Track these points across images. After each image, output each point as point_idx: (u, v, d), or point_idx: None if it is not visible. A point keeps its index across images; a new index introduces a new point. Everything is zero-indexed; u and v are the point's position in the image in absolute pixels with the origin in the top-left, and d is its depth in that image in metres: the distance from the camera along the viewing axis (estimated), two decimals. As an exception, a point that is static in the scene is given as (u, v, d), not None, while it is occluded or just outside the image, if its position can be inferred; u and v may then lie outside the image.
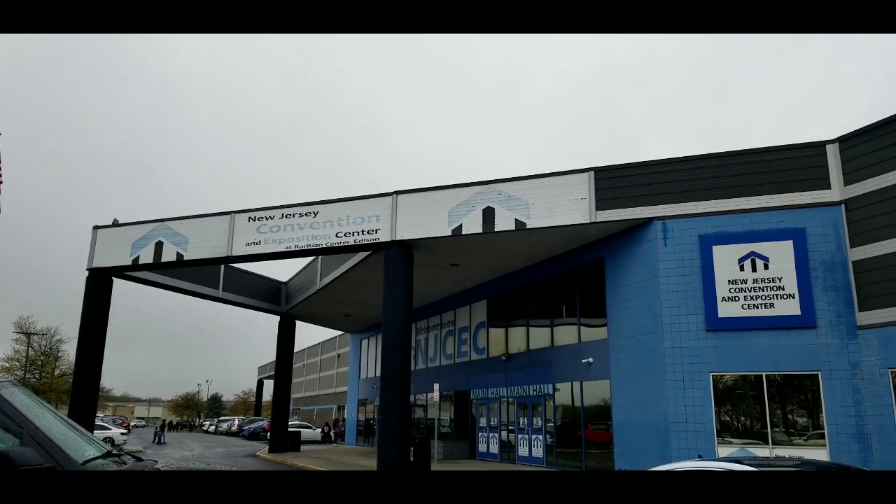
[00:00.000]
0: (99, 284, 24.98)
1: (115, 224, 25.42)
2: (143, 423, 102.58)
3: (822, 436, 16.10)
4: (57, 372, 57.07)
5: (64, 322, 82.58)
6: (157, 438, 45.46)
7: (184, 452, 34.43)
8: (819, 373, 16.33)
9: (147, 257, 24.19)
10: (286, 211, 22.49)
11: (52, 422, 4.01)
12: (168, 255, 23.93)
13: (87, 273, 25.05)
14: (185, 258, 23.85)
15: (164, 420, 65.41)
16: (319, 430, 46.81)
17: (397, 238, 20.79)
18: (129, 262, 24.49)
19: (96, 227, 25.32)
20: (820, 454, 15.96)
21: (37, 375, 55.39)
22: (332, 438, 43.51)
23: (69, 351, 56.71)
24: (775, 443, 16.51)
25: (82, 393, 24.27)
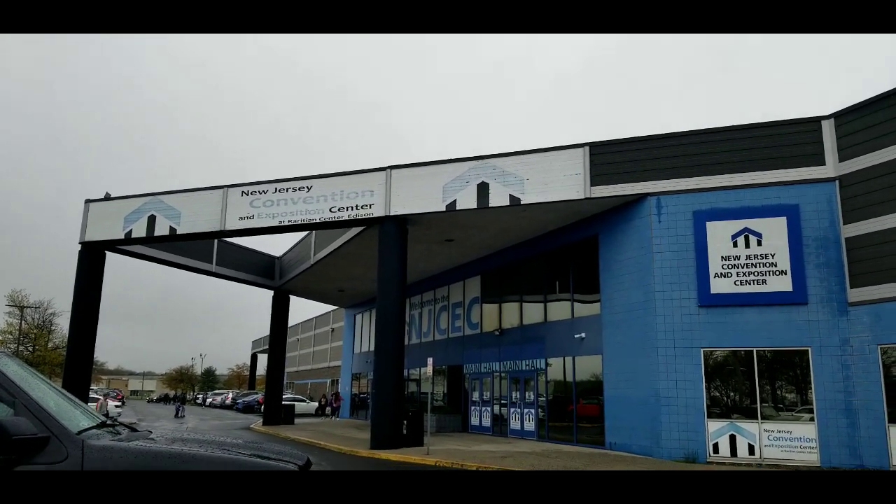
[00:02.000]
0: (91, 258, 24.92)
1: (108, 198, 25.25)
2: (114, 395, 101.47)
3: (810, 411, 16.30)
4: (50, 345, 57.08)
5: (57, 296, 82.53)
6: (178, 413, 45.28)
7: (178, 424, 34.65)
8: (809, 349, 16.48)
9: (140, 231, 24.09)
10: (279, 185, 22.37)
11: (46, 392, 4.01)
12: (161, 229, 23.84)
13: (79, 247, 24.96)
14: (178, 232, 23.76)
15: (183, 393, 63.81)
16: (315, 403, 47.02)
17: (391, 213, 20.73)
18: (121, 236, 24.39)
19: (88, 201, 25.14)
20: (808, 429, 16.19)
21: (30, 348, 55.38)
22: (329, 413, 43.75)
23: (62, 324, 56.81)
24: (764, 418, 16.73)
25: (76, 366, 24.36)
